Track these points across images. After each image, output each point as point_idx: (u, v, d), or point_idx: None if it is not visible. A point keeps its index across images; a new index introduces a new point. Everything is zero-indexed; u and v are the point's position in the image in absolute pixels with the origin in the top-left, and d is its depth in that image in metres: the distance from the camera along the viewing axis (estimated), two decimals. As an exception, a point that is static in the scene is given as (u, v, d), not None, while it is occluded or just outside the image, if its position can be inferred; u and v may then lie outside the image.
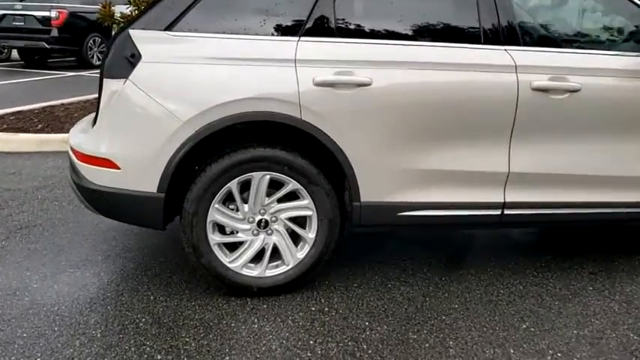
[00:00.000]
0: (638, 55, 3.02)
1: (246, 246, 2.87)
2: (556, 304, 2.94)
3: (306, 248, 2.90)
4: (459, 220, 3.01)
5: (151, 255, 3.43)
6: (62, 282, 3.07)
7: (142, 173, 2.70)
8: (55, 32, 11.91)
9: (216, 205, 2.77)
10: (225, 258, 2.85)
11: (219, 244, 2.84)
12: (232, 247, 2.90)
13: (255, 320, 2.72)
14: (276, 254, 2.90)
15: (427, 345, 2.55)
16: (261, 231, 2.86)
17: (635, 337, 2.65)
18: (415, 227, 3.09)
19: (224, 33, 2.73)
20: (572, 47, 3.08)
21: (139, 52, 2.67)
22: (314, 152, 2.89)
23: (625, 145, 3.04)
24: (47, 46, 11.98)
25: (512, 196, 3.00)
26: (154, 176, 2.69)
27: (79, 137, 2.94)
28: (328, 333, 2.62)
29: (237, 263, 2.86)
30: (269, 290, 2.91)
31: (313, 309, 2.83)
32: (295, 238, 2.93)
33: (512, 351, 2.53)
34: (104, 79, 2.79)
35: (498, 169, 2.95)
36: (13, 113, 7.13)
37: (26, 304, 2.83)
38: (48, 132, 6.30)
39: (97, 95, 2.89)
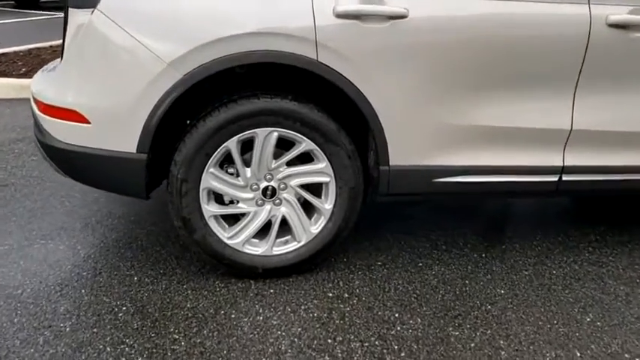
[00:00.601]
0: None
1: (248, 218, 2.34)
2: (622, 289, 2.44)
3: (322, 222, 2.38)
4: (508, 188, 2.46)
5: (137, 222, 2.92)
6: (30, 257, 2.57)
7: (117, 129, 2.15)
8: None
9: (212, 169, 2.23)
10: (223, 233, 2.34)
11: (215, 217, 2.32)
12: (232, 219, 2.39)
13: (260, 310, 2.22)
14: (285, 228, 2.39)
15: (473, 345, 2.06)
16: (267, 200, 2.33)
17: None
18: (454, 196, 2.56)
19: (219, -51, 2.13)
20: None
21: (110, -27, 2.08)
22: (333, 103, 2.33)
23: None
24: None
25: (573, 159, 2.45)
26: (132, 133, 2.15)
27: (43, 83, 2.38)
28: (350, 328, 2.13)
29: (237, 239, 2.35)
30: (277, 271, 2.41)
31: (330, 295, 2.33)
32: (308, 210, 2.41)
33: (578, 354, 2.03)
34: (69, 10, 2.20)
35: (559, 125, 2.39)
36: (-6, 56, 6.53)
37: (-16, 285, 2.35)
38: (31, 77, 5.70)
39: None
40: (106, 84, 2.13)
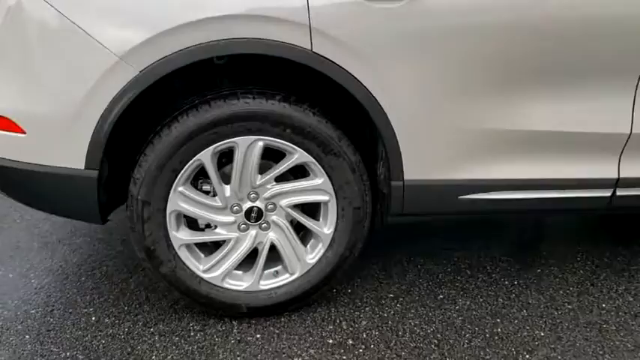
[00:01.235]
0: None
1: (229, 247, 1.89)
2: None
3: (320, 249, 1.93)
4: (549, 206, 1.99)
5: (105, 242, 2.48)
6: (-29, 289, 2.15)
7: (58, 140, 1.70)
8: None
9: (181, 188, 1.78)
10: (197, 265, 1.89)
11: (187, 246, 1.88)
12: (207, 247, 1.94)
13: (243, 363, 1.79)
14: (275, 257, 1.94)
15: (511, 414, 1.62)
16: (252, 225, 1.88)
17: None
18: (482, 215, 2.11)
19: None
20: None
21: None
22: (332, 104, 1.87)
23: None
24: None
25: (631, 170, 1.97)
26: (78, 145, 1.69)
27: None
28: (355, 391, 1.69)
29: (215, 272, 1.90)
30: (264, 310, 1.96)
31: (331, 342, 1.88)
32: (304, 235, 1.96)
33: None
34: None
35: (614, 129, 1.91)
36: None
37: None
38: None
39: None
40: (43, 84, 1.67)
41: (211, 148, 1.74)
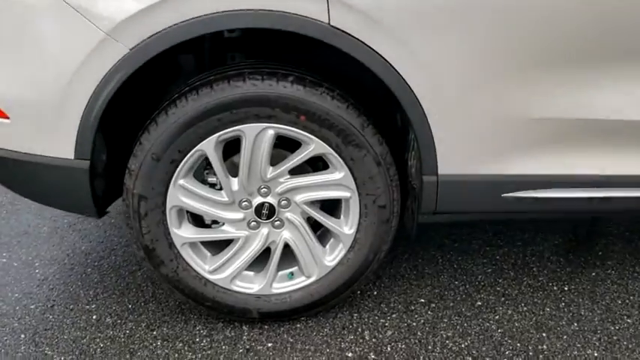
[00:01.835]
0: None
1: (237, 246, 1.69)
2: None
3: (340, 251, 1.70)
4: (611, 207, 1.70)
5: (118, 227, 2.33)
6: (-27, 278, 2.03)
7: (44, 127, 1.52)
8: None
9: (181, 182, 1.57)
10: (202, 265, 1.70)
11: (191, 244, 1.68)
12: (216, 245, 1.74)
13: (250, 378, 1.60)
14: (289, 257, 1.73)
15: None
16: (264, 222, 1.66)
17: None
18: (530, 215, 1.84)
19: None
20: None
21: None
22: (353, 88, 1.62)
23: None
24: None
25: None
26: (65, 132, 1.51)
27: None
28: (373, 418, 1.48)
29: (223, 274, 1.70)
30: (277, 315, 1.76)
31: (350, 355, 1.67)
32: (322, 234, 1.74)
33: None
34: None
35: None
36: None
37: None
38: None
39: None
40: (25, 64, 1.48)
41: (214, 136, 1.52)
